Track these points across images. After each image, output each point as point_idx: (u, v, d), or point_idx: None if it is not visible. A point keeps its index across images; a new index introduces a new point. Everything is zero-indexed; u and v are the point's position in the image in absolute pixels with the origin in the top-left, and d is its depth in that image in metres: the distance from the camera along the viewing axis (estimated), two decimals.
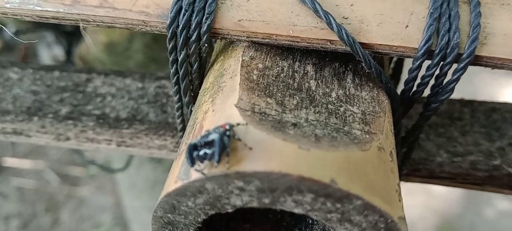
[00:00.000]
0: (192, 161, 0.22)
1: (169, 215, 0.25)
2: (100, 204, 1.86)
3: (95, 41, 0.71)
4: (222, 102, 0.27)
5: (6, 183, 1.91)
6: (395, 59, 0.39)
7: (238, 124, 0.24)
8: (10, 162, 1.96)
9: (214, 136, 0.22)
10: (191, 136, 0.26)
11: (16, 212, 1.81)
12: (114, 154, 0.95)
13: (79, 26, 0.30)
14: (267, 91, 0.27)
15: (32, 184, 1.91)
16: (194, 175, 0.23)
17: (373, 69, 0.28)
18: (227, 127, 0.23)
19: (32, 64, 0.44)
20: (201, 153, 0.22)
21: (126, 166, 0.83)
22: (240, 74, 0.28)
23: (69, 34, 0.84)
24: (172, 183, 0.24)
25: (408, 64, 0.31)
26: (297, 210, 0.23)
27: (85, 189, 1.91)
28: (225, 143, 0.22)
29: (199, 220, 0.24)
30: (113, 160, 1.02)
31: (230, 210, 0.24)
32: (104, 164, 1.04)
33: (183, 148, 0.26)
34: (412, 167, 0.36)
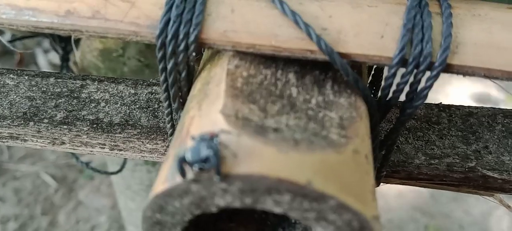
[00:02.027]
0: (183, 173, 0.24)
1: (158, 215, 0.26)
2: (97, 206, 1.87)
3: (90, 48, 0.72)
4: (207, 108, 0.28)
5: (3, 186, 1.92)
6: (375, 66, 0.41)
7: (228, 132, 0.25)
8: (7, 165, 1.97)
9: (207, 153, 0.23)
10: (179, 140, 0.28)
11: (13, 214, 1.82)
12: (110, 157, 0.97)
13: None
14: (251, 98, 0.29)
15: (28, 187, 1.92)
16: (180, 177, 0.24)
17: (350, 77, 0.30)
18: (216, 136, 0.25)
19: (28, 71, 0.46)
20: (196, 167, 0.23)
21: (121, 169, 0.84)
22: (225, 82, 0.29)
23: (64, 40, 0.85)
24: (160, 185, 0.25)
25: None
26: (277, 210, 0.25)
27: (81, 192, 1.92)
28: (218, 156, 0.23)
29: (186, 219, 0.26)
30: (109, 162, 1.03)
31: (214, 210, 0.25)
32: (99, 167, 1.05)
33: (171, 151, 0.28)
34: (392, 169, 0.37)
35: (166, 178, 0.25)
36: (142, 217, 0.27)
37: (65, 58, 0.73)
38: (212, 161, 0.23)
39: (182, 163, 0.24)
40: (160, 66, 0.32)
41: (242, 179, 0.24)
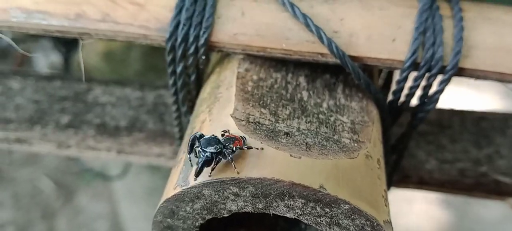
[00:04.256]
0: (190, 150, 0.24)
1: (169, 219, 0.26)
2: (96, 211, 1.86)
3: (94, 50, 0.72)
4: (218, 112, 0.28)
5: (2, 191, 1.90)
6: (385, 69, 0.40)
7: (249, 147, 0.24)
8: (7, 169, 1.96)
9: (211, 150, 0.23)
10: (189, 144, 0.28)
11: (12, 219, 1.81)
12: (111, 161, 0.96)
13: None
14: (261, 102, 0.28)
15: (28, 192, 1.91)
16: (192, 181, 0.24)
17: (362, 80, 0.29)
18: (243, 147, 0.24)
19: (34, 74, 0.46)
20: (198, 150, 0.24)
21: (124, 173, 0.84)
22: (236, 86, 0.29)
23: (67, 42, 0.85)
24: (171, 189, 0.25)
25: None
26: (289, 215, 0.24)
27: (81, 197, 1.91)
28: (209, 159, 0.23)
29: (197, 224, 0.26)
30: (110, 168, 1.03)
31: (226, 215, 0.25)
32: (101, 172, 1.05)
33: (182, 156, 0.27)
34: (403, 174, 0.37)
35: (178, 182, 0.25)
36: (153, 222, 0.26)
37: (68, 61, 0.73)
38: (199, 159, 0.23)
39: (195, 140, 0.24)
40: (169, 70, 0.31)
41: (254, 183, 0.23)
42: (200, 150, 0.24)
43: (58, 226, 1.80)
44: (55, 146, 0.40)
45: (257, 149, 0.25)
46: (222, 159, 0.24)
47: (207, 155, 0.23)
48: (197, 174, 0.23)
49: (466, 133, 0.39)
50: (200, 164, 0.23)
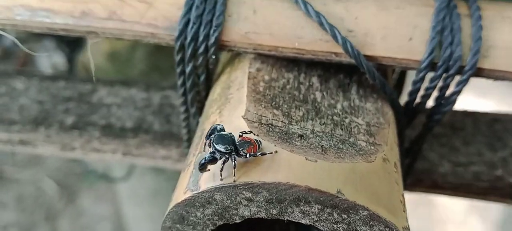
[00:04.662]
0: (209, 136, 0.24)
1: (178, 225, 0.25)
2: (100, 213, 1.85)
3: (98, 50, 0.71)
4: (229, 113, 0.27)
5: (5, 192, 1.90)
6: (397, 70, 0.39)
7: (263, 153, 0.23)
8: (9, 171, 1.95)
9: (220, 148, 0.23)
10: (199, 147, 0.27)
11: (15, 221, 1.80)
12: (115, 163, 0.95)
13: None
14: (274, 102, 0.27)
15: (31, 193, 1.90)
16: (203, 185, 0.23)
17: (377, 81, 0.28)
18: (257, 154, 0.23)
19: (38, 74, 0.45)
20: (207, 141, 0.24)
21: (128, 175, 0.83)
22: (247, 86, 0.28)
23: (71, 42, 0.84)
24: (181, 194, 0.24)
25: (411, 75, 0.31)
26: (305, 221, 0.23)
27: (84, 198, 1.90)
28: (211, 159, 0.23)
29: (207, 230, 0.25)
30: (113, 169, 1.02)
31: (238, 221, 0.24)
32: (104, 173, 1.04)
33: (191, 159, 0.26)
34: (416, 177, 0.36)
35: (188, 186, 0.24)
36: (162, 227, 0.25)
37: (71, 61, 0.72)
38: (205, 158, 0.23)
39: (214, 130, 0.24)
40: (178, 70, 0.31)
41: (268, 188, 0.22)
42: (212, 143, 0.23)
43: (61, 227, 1.79)
44: (59, 147, 0.40)
45: (271, 153, 0.24)
46: (230, 160, 0.23)
47: (205, 156, 0.23)
48: (200, 169, 0.23)
49: (480, 135, 0.38)
50: (203, 161, 0.23)
